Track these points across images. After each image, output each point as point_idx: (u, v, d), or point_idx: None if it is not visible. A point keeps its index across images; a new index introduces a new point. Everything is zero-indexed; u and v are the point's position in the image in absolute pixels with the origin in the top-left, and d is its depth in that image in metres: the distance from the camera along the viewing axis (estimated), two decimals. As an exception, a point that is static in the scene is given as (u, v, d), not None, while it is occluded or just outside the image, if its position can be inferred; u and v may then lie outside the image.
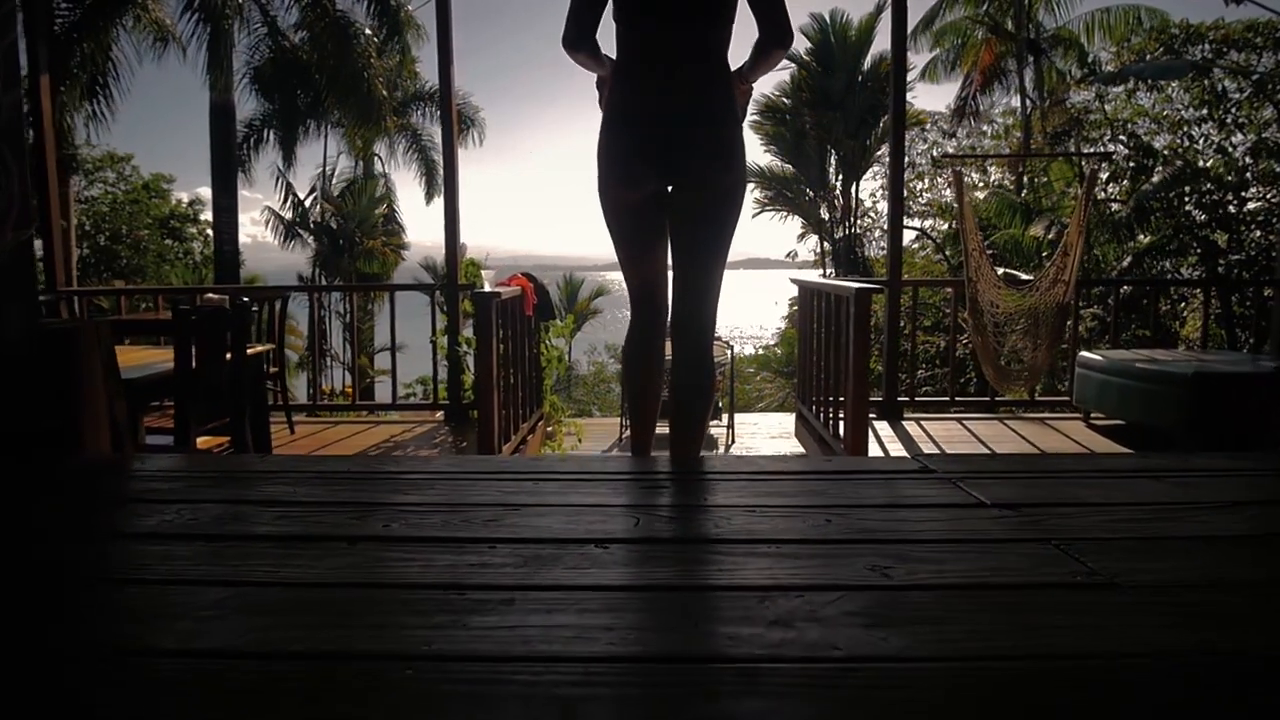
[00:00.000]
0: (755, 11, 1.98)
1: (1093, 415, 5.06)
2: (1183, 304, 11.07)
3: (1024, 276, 8.64)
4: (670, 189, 2.02)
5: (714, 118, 1.97)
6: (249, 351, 3.11)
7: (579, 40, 2.01)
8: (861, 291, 3.52)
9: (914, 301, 5.73)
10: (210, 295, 5.14)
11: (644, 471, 1.51)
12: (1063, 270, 4.42)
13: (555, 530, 1.10)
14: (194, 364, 2.59)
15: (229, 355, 2.81)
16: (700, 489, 1.37)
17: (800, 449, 5.35)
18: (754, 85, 2.16)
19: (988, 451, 4.39)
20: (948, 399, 5.57)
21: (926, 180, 16.88)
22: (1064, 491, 1.33)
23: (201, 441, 2.86)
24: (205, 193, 16.45)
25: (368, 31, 15.63)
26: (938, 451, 4.35)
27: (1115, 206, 11.35)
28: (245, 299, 3.80)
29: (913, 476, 1.42)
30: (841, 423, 4.06)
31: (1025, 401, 5.36)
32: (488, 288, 3.84)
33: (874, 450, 4.24)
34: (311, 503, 1.27)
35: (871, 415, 4.91)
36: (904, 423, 5.09)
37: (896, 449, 4.49)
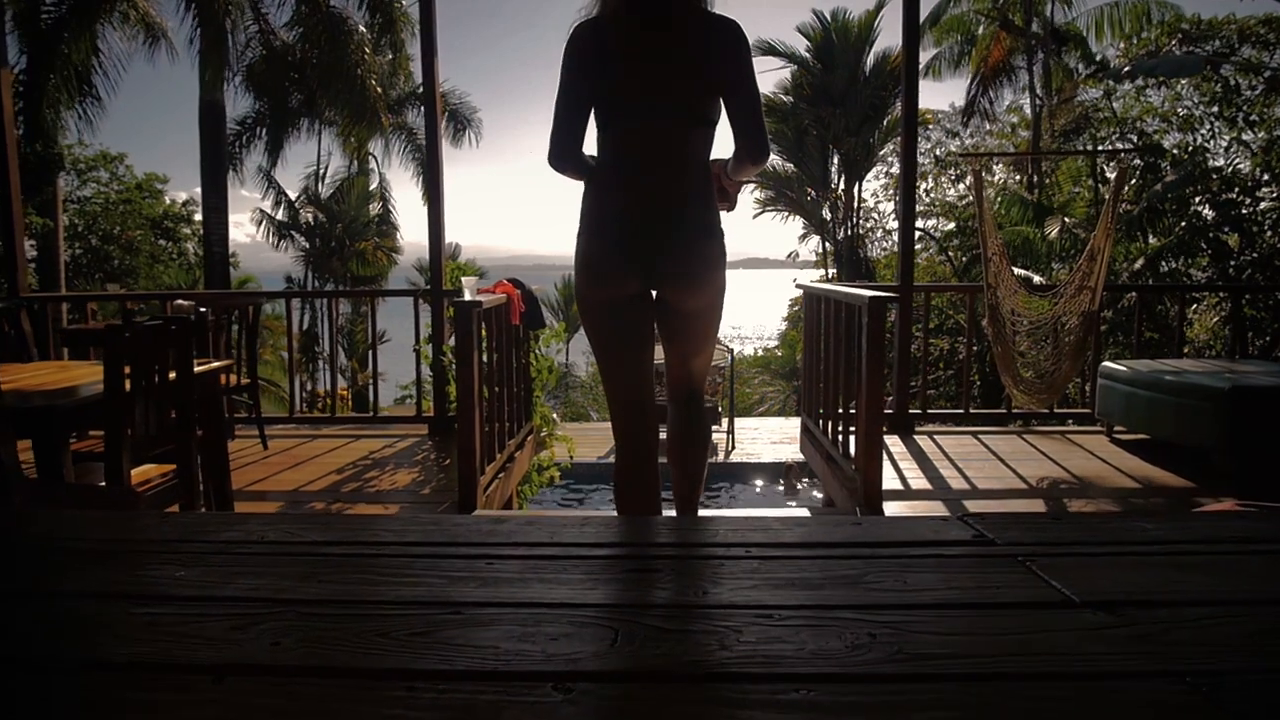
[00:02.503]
0: (733, 126, 1.99)
1: (1116, 429, 4.78)
2: (1192, 306, 10.78)
3: (1036, 279, 8.34)
4: (655, 294, 2.04)
5: (695, 235, 1.96)
6: (204, 367, 2.82)
7: (566, 157, 1.99)
8: (876, 301, 3.23)
9: (926, 308, 5.44)
10: (181, 302, 4.85)
11: (627, 544, 1.22)
12: (1088, 276, 4.13)
13: (503, 653, 0.81)
14: (127, 386, 2.29)
15: (173, 374, 2.51)
16: (699, 572, 1.08)
17: (802, 458, 5.07)
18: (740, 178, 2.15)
19: (1011, 471, 4.10)
20: (961, 411, 5.28)
21: (930, 180, 16.60)
22: (1164, 577, 1.04)
23: (143, 470, 2.57)
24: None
25: (362, 28, 15.36)
26: (958, 475, 4.06)
27: (1125, 207, 11.06)
28: (204, 308, 3.52)
29: (967, 551, 1.13)
30: (852, 439, 3.78)
31: (1043, 413, 5.07)
32: (469, 296, 3.55)
33: (887, 469, 3.96)
34: (194, 598, 0.98)
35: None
36: (916, 437, 4.81)
37: (910, 467, 4.20)
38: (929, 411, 5.43)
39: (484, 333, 3.73)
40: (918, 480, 3.98)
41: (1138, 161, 11.03)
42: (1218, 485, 3.82)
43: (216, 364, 2.88)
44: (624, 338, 2.04)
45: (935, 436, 4.82)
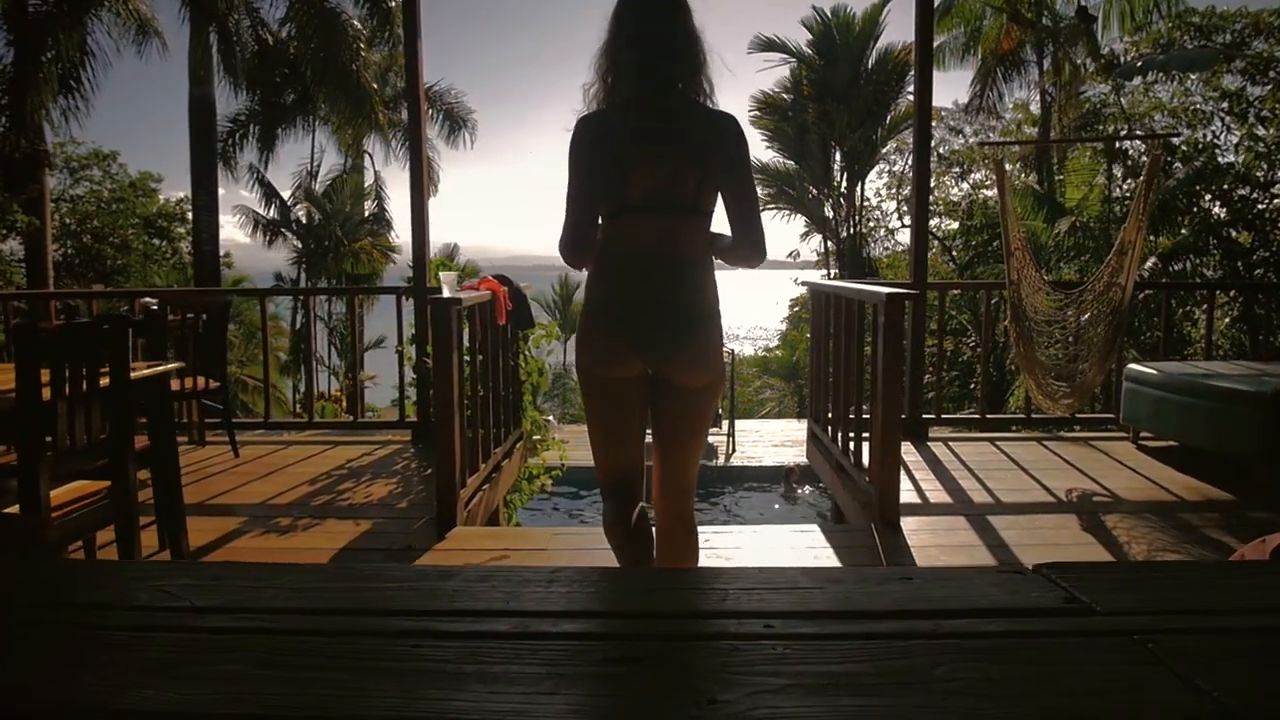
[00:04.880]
0: (731, 222, 2.03)
1: (1142, 435, 4.50)
2: (1202, 306, 10.51)
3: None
4: (651, 372, 2.06)
5: (697, 319, 1.99)
6: (148, 370, 2.53)
7: (580, 253, 2.00)
8: (893, 297, 2.94)
9: (941, 306, 5.16)
10: (147, 299, 4.57)
11: (607, 615, 0.93)
12: (1117, 272, 3.85)
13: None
14: (47, 395, 2.01)
15: (105, 379, 2.23)
16: (703, 664, 0.79)
17: (805, 461, 4.81)
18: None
19: (1036, 482, 3.82)
20: (977, 415, 5.00)
21: (933, 178, 16.34)
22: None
23: (74, 488, 2.28)
24: (199, 192, 15.82)
25: (357, 24, 15.12)
26: (979, 486, 3.78)
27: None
28: (156, 306, 3.24)
29: (1062, 626, 0.84)
30: (865, 447, 3.50)
31: (1063, 418, 4.79)
32: (448, 292, 3.26)
33: (902, 480, 3.67)
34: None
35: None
36: (930, 444, 4.53)
37: (926, 477, 3.92)
38: (943, 416, 5.14)
39: (467, 332, 3.45)
40: (935, 493, 3.70)
41: (1145, 158, 10.73)
42: (1259, 498, 3.54)
43: (163, 366, 2.59)
44: (620, 411, 2.08)
45: (951, 444, 4.54)
